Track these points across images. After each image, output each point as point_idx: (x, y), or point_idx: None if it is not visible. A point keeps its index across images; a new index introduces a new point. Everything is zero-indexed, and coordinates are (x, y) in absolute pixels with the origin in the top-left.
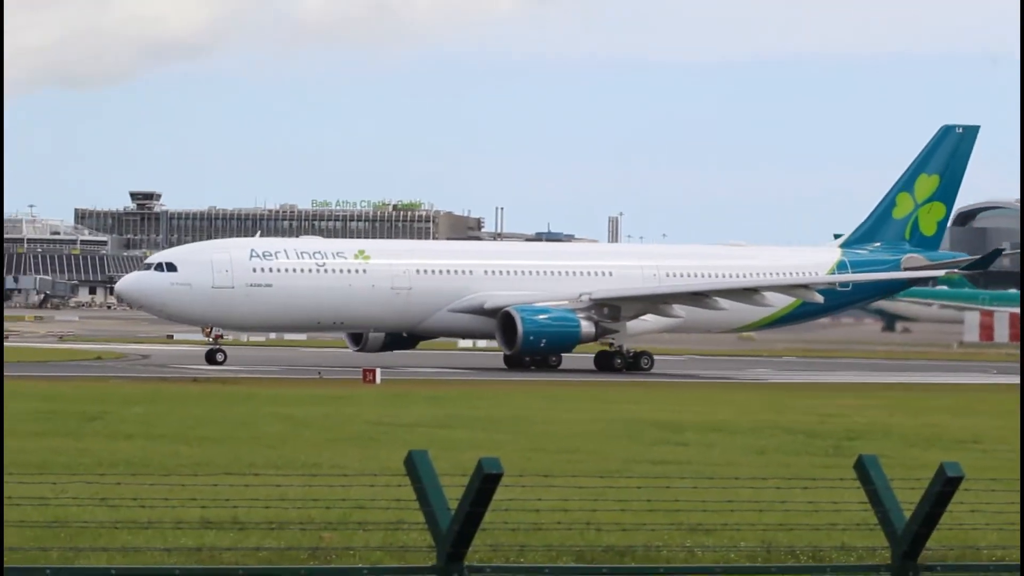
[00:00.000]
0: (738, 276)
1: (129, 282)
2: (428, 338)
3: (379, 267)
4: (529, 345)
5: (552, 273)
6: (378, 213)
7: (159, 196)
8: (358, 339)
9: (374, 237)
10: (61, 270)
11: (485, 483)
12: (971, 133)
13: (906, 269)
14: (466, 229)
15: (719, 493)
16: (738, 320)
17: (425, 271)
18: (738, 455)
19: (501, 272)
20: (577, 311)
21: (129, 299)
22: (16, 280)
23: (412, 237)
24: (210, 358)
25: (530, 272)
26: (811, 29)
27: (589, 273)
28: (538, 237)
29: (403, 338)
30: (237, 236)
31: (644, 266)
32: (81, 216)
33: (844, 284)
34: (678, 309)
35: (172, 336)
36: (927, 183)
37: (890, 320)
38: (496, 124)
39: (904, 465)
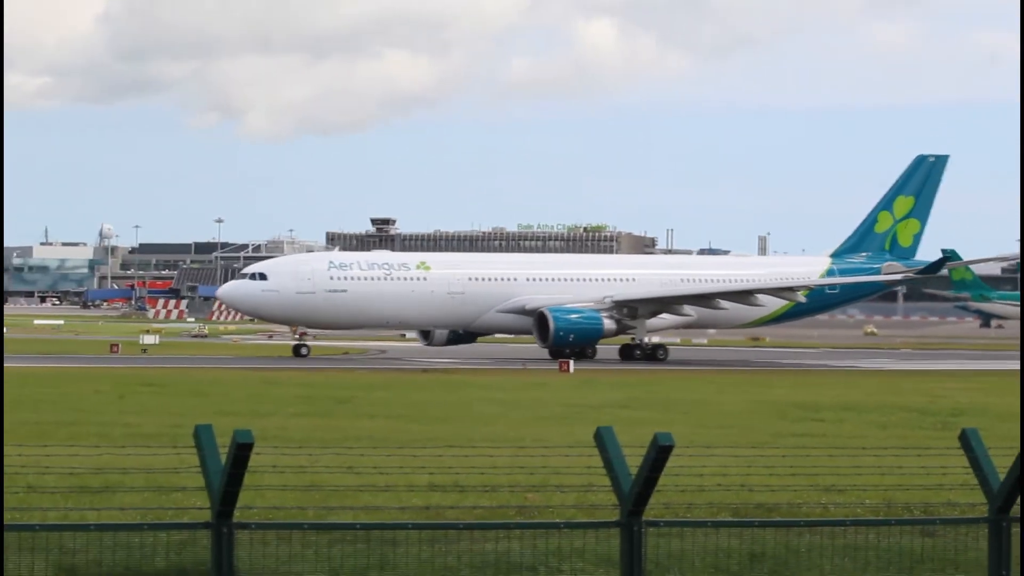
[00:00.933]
0: (739, 281)
1: (228, 289)
2: (483, 335)
3: (437, 276)
4: (560, 339)
5: (583, 280)
6: (571, 234)
7: (395, 221)
8: (427, 336)
9: (568, 253)
10: None
11: (659, 453)
12: (941, 161)
13: (885, 274)
14: (643, 247)
15: (849, 460)
16: (742, 318)
17: (476, 279)
18: (864, 429)
19: (541, 279)
20: (601, 311)
21: (228, 303)
22: None
23: (598, 253)
24: (296, 352)
25: (565, 279)
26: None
27: (615, 279)
28: (701, 252)
29: (463, 335)
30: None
31: (662, 274)
32: (331, 238)
33: (831, 287)
34: (687, 309)
35: (404, 335)
36: (904, 203)
37: (986, 318)
38: (670, 158)
39: (998, 436)
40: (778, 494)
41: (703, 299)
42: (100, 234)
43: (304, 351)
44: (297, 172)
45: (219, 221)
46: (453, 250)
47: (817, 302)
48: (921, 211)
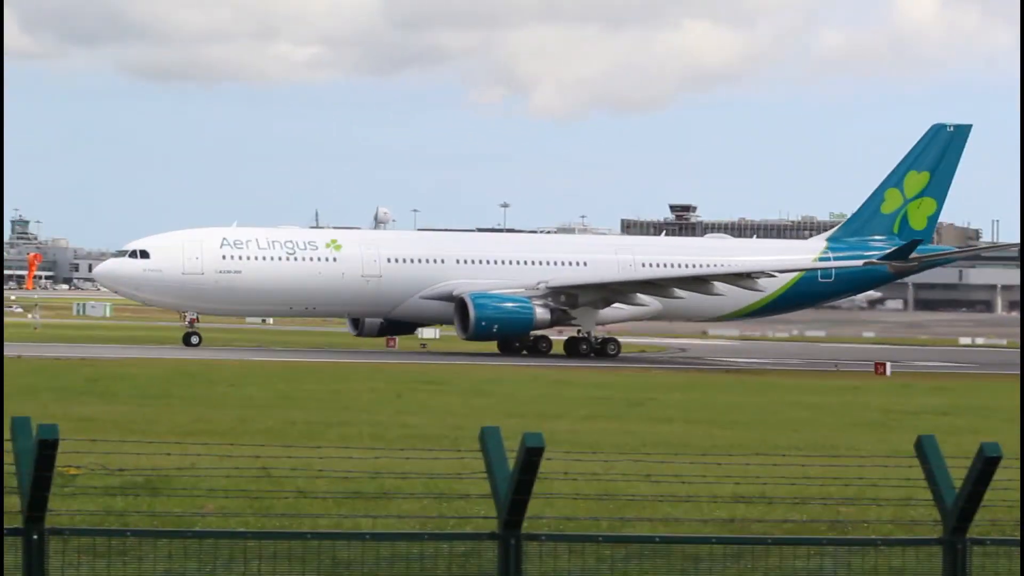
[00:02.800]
0: (697, 267)
1: (106, 268)
2: (410, 324)
3: (349, 256)
4: (482, 330)
5: (523, 263)
6: None
7: (695, 208)
8: (358, 324)
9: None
10: None
11: (986, 465)
12: (962, 132)
13: (892, 263)
14: (965, 239)
15: None
16: (716, 308)
17: (396, 260)
18: None
19: (473, 261)
20: (533, 298)
21: (105, 284)
22: None
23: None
24: (186, 341)
25: (502, 262)
26: None
27: (561, 263)
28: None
29: (401, 324)
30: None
31: (620, 258)
32: (626, 226)
33: (826, 276)
34: (644, 298)
35: (707, 332)
36: (917, 179)
37: None
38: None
39: None
40: None
41: (653, 287)
42: (375, 218)
43: (196, 340)
44: (589, 153)
45: (505, 206)
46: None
47: (806, 293)
48: (937, 189)
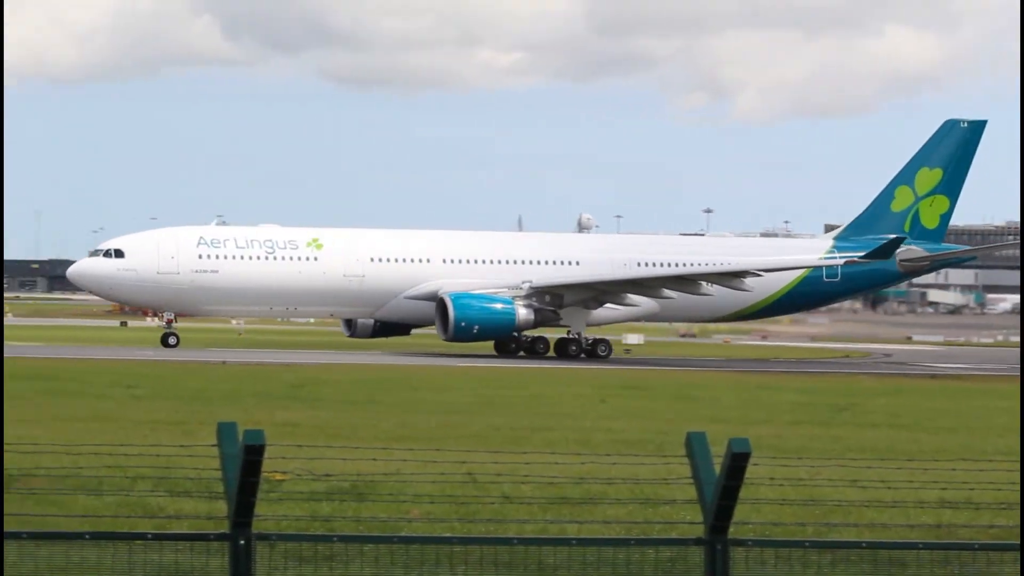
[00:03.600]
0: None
1: (80, 268)
2: (402, 325)
3: (331, 255)
4: (462, 331)
5: (512, 262)
6: None
7: None
8: (351, 325)
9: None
10: None
11: None
12: (977, 127)
13: (902, 261)
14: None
15: None
16: (715, 309)
17: (380, 259)
18: None
19: (461, 261)
20: (516, 298)
21: (79, 284)
22: None
23: None
24: (164, 342)
25: (490, 261)
26: None
27: (551, 263)
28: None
29: (394, 325)
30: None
31: (615, 257)
32: (829, 230)
33: (831, 275)
34: (634, 298)
35: (911, 337)
36: (928, 176)
37: None
38: None
39: None
40: None
41: (638, 286)
42: (579, 224)
43: (173, 341)
44: (792, 157)
45: (708, 211)
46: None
47: (811, 293)
48: (950, 187)
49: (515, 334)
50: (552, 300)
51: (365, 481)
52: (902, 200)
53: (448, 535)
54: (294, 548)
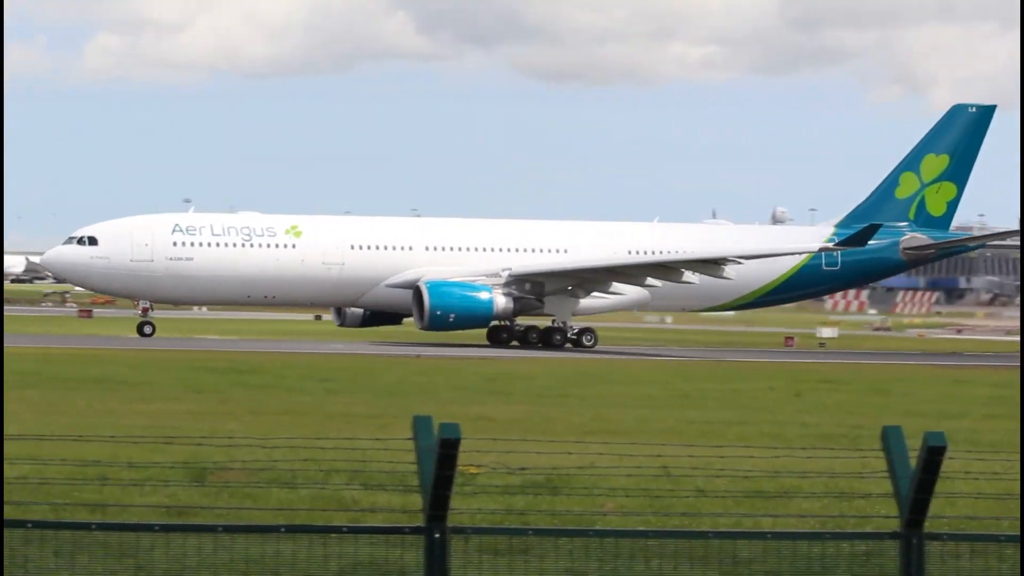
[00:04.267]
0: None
1: (52, 255)
2: (389, 314)
3: (310, 243)
4: (437, 320)
5: (497, 250)
6: None
7: None
8: (341, 314)
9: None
10: (1007, 272)
11: None
12: (986, 113)
13: (906, 249)
14: None
15: None
16: (712, 298)
17: (360, 247)
18: None
19: (444, 248)
20: (495, 286)
21: (53, 272)
22: (968, 280)
23: None
24: (139, 331)
25: (475, 248)
26: None
27: (538, 250)
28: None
29: (384, 315)
30: None
31: (605, 244)
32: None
33: (831, 263)
34: (619, 287)
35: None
36: (935, 163)
37: None
38: None
39: None
40: None
41: (618, 274)
42: (773, 217)
43: (148, 330)
44: (988, 151)
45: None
46: None
47: (810, 281)
48: (958, 173)
49: (506, 323)
50: (532, 288)
51: (559, 475)
52: (907, 187)
53: (642, 529)
54: (489, 541)
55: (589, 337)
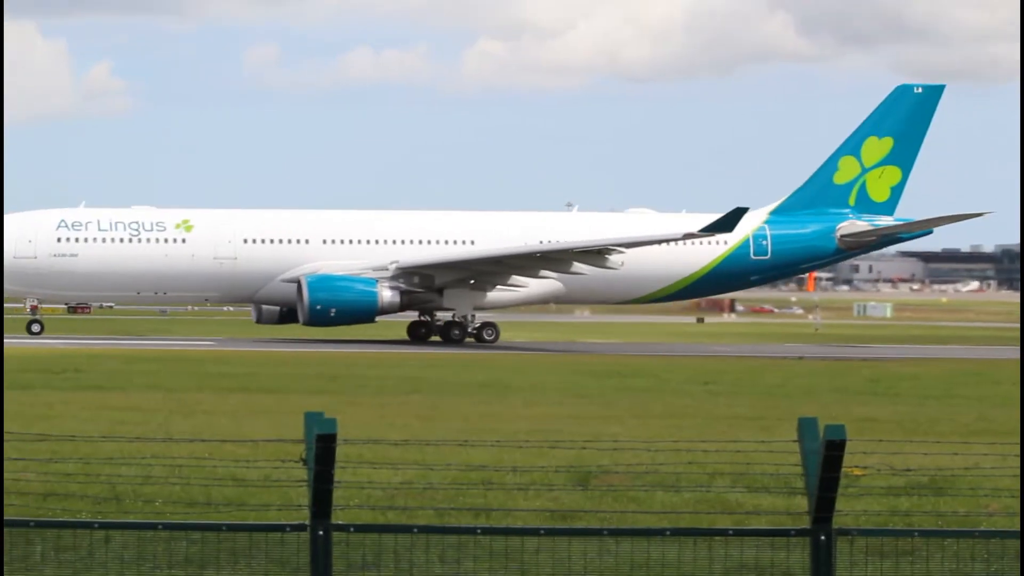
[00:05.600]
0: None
1: None
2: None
3: (201, 237)
4: (317, 315)
5: (395, 242)
6: None
7: None
8: (259, 311)
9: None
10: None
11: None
12: (933, 93)
13: (843, 237)
14: None
15: None
16: (630, 291)
17: (253, 240)
18: None
19: (341, 241)
20: (381, 280)
21: None
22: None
23: None
24: (28, 329)
25: (373, 241)
26: None
27: (436, 242)
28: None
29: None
30: None
31: (511, 235)
32: None
33: (760, 252)
34: (522, 279)
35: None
36: (876, 146)
37: None
38: None
39: None
40: None
41: (503, 265)
42: None
43: (37, 328)
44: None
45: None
46: None
47: (737, 272)
48: (902, 156)
49: (426, 318)
50: (422, 281)
51: (944, 476)
52: (847, 171)
53: None
54: (874, 543)
55: (490, 332)
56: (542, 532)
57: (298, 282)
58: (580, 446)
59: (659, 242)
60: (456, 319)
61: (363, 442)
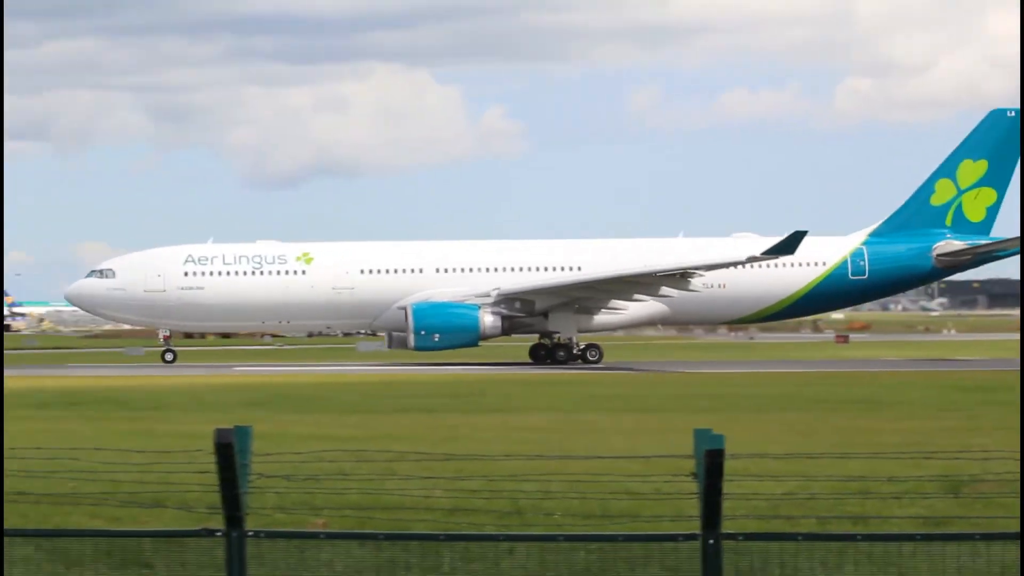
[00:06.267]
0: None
1: (74, 288)
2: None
3: (320, 269)
4: (423, 341)
5: (505, 270)
6: None
7: None
8: (390, 339)
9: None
10: None
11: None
12: None
13: (939, 256)
14: None
15: None
16: (734, 311)
17: (370, 271)
18: None
19: (453, 270)
20: (483, 306)
21: (75, 303)
22: None
23: None
24: (162, 358)
25: (484, 269)
26: None
27: (547, 268)
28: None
29: None
30: None
31: (616, 262)
32: None
33: (858, 272)
34: (620, 303)
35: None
36: (972, 168)
37: None
38: None
39: None
40: None
41: (593, 290)
42: None
43: (170, 357)
44: None
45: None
46: None
47: (837, 292)
48: (997, 178)
49: (546, 340)
50: (523, 306)
51: None
52: (943, 194)
53: None
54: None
55: (593, 352)
56: (918, 538)
57: (404, 309)
58: (952, 457)
59: (725, 266)
60: (561, 341)
61: (747, 456)
